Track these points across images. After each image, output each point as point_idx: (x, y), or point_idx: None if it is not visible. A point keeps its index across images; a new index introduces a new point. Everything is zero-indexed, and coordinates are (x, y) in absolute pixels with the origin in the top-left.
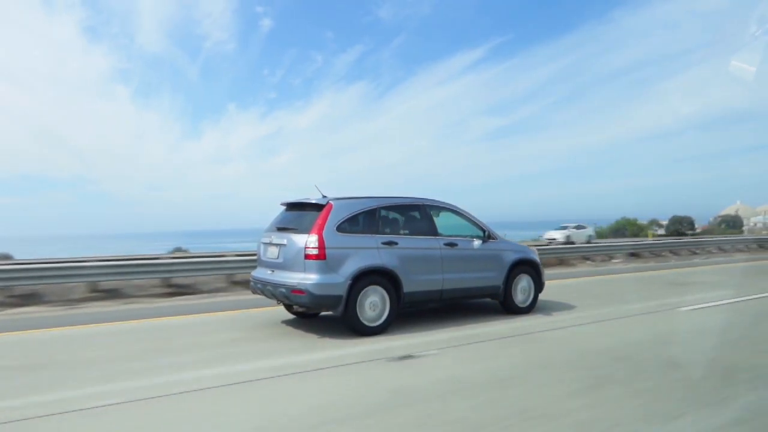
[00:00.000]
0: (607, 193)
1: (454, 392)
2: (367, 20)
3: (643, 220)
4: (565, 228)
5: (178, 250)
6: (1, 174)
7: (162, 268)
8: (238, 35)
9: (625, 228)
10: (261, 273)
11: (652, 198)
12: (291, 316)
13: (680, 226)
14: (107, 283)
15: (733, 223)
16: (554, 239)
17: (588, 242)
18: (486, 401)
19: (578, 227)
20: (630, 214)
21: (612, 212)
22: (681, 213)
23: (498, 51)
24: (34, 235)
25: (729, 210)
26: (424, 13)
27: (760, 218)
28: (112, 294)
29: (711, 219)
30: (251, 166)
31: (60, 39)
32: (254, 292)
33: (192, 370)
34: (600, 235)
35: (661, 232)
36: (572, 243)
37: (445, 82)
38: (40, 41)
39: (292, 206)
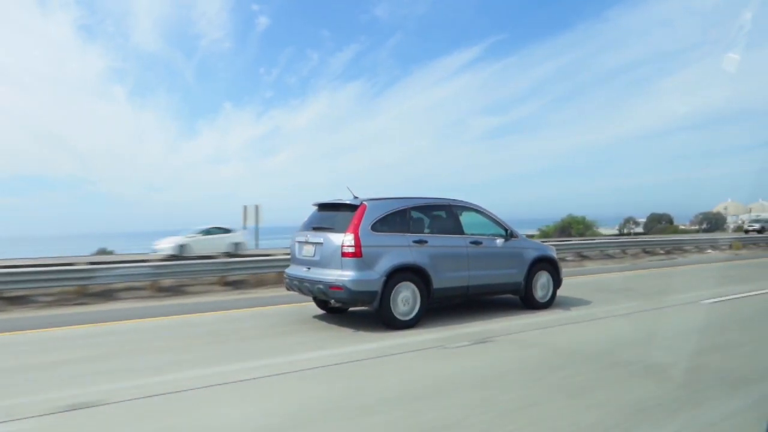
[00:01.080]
0: (607, 191)
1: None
2: (363, 19)
3: (594, 218)
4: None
5: (103, 251)
6: None
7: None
8: (234, 34)
9: (571, 227)
10: (296, 270)
11: (650, 196)
12: (320, 312)
13: (659, 224)
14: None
15: (714, 221)
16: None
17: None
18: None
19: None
20: (629, 212)
21: (611, 210)
22: (680, 210)
23: (495, 50)
24: (32, 236)
25: (720, 207)
26: (420, 12)
27: (746, 216)
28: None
29: (692, 217)
30: (249, 165)
31: (55, 38)
32: (289, 289)
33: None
34: (545, 234)
35: (639, 230)
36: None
37: (443, 81)
38: (35, 40)
39: (325, 207)
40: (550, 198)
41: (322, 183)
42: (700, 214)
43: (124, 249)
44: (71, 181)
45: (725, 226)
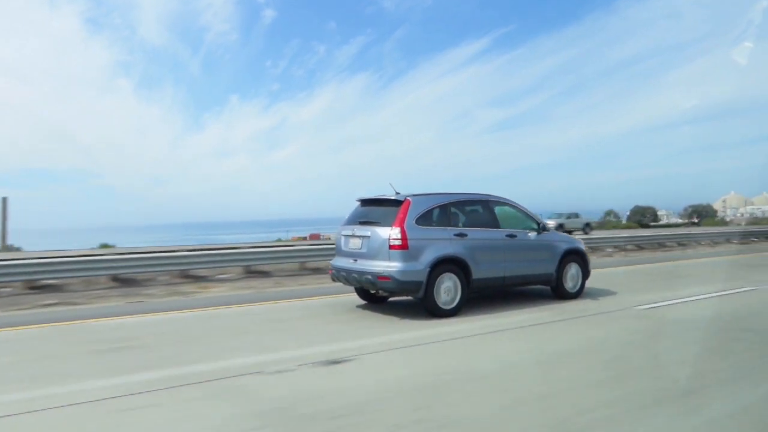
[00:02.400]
0: (615, 183)
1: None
2: (369, 11)
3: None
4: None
5: (104, 246)
6: (6, 168)
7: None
8: (240, 26)
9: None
10: (342, 262)
11: (658, 188)
12: (362, 302)
13: (642, 218)
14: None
15: (705, 214)
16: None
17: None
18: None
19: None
20: (637, 204)
21: (621, 202)
22: (685, 203)
23: (501, 42)
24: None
25: (723, 199)
26: (427, 3)
27: (750, 208)
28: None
29: (681, 210)
30: (255, 158)
31: (62, 32)
32: (334, 280)
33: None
34: None
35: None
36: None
37: (449, 73)
38: (42, 34)
39: (369, 202)
40: (556, 190)
41: (327, 176)
42: (690, 206)
43: (128, 242)
44: (77, 174)
45: (717, 219)
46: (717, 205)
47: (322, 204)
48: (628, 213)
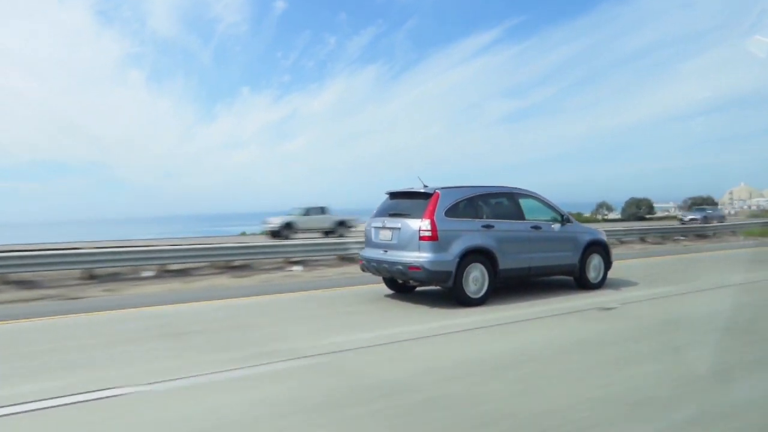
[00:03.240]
0: (627, 175)
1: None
2: (380, 1)
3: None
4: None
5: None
6: (19, 160)
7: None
8: (251, 17)
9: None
10: (372, 253)
11: (670, 180)
12: (390, 291)
13: (637, 210)
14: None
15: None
16: None
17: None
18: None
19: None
20: (646, 196)
21: (634, 194)
22: (695, 195)
23: (513, 32)
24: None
25: (729, 191)
26: None
27: (763, 200)
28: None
29: (681, 201)
30: (266, 150)
31: (73, 24)
32: (364, 270)
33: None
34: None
35: (614, 216)
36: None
37: (460, 64)
38: (54, 28)
39: (397, 195)
40: (568, 182)
41: (337, 167)
42: (689, 198)
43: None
44: (89, 166)
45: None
46: (725, 197)
47: (333, 195)
48: (623, 205)
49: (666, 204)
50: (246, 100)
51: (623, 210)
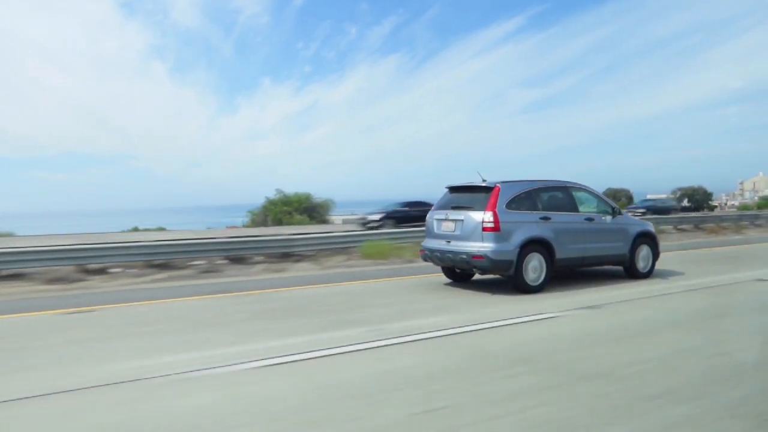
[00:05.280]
0: (653, 165)
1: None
2: None
3: None
4: None
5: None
6: (48, 152)
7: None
8: (272, 8)
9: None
10: (435, 244)
11: (696, 170)
12: (447, 281)
13: (618, 201)
14: None
15: (697, 198)
16: None
17: None
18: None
19: None
20: (663, 187)
21: (657, 184)
22: (701, 185)
23: (535, 21)
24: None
25: (740, 182)
26: None
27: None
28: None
29: (670, 193)
30: (286, 140)
31: (97, 17)
32: (426, 260)
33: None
34: None
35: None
36: None
37: (481, 53)
38: (79, 20)
39: (458, 189)
40: (592, 171)
41: (358, 158)
42: (678, 189)
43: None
44: (115, 157)
45: (712, 203)
46: (739, 188)
47: (350, 186)
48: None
49: (660, 195)
50: (267, 91)
51: None
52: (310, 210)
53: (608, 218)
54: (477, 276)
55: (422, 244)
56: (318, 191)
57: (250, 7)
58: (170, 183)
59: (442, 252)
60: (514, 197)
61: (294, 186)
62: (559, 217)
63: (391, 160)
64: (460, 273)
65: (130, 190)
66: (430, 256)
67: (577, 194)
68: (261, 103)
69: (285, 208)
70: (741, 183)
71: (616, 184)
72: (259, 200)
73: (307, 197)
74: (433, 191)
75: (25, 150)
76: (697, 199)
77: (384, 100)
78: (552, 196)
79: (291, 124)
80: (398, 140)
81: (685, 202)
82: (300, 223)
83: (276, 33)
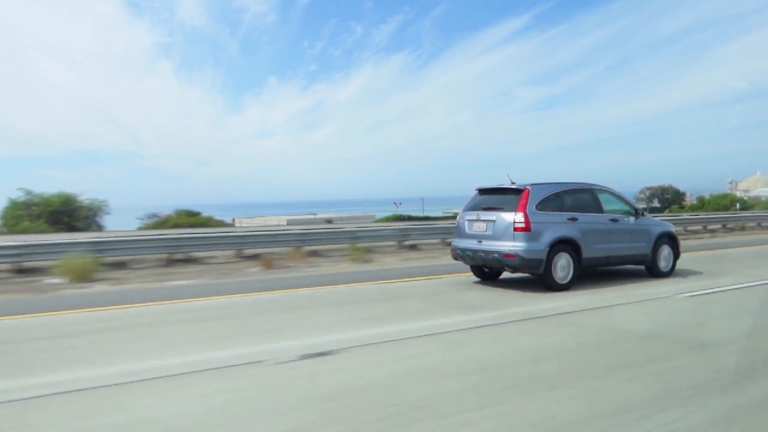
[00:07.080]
0: (658, 163)
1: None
2: None
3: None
4: None
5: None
6: (55, 150)
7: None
8: (278, 7)
9: None
10: (467, 243)
11: (700, 168)
12: (476, 279)
13: None
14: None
15: (666, 198)
16: None
17: None
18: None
19: None
20: (678, 185)
21: (654, 184)
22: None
23: (543, 18)
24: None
25: (730, 180)
26: None
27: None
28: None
29: (638, 193)
30: (292, 139)
31: (104, 15)
32: (457, 259)
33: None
34: None
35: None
36: None
37: (488, 51)
38: (86, 18)
39: (488, 191)
40: (599, 169)
41: (364, 156)
42: (647, 188)
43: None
44: (122, 155)
45: (684, 203)
46: (733, 188)
47: (356, 185)
48: None
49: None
50: (273, 89)
51: None
52: (69, 213)
53: (631, 219)
54: (505, 274)
55: (452, 243)
56: (323, 190)
57: (256, 6)
58: (177, 181)
59: (474, 251)
60: (543, 199)
61: (298, 186)
62: (586, 218)
63: (398, 158)
64: (488, 272)
65: (136, 187)
66: (461, 255)
67: (602, 196)
68: (267, 102)
69: (31, 211)
70: (731, 182)
71: (620, 182)
72: (259, 200)
73: (67, 199)
74: (437, 189)
75: (34, 148)
76: (668, 199)
77: (390, 99)
78: (578, 198)
79: (297, 122)
80: (405, 138)
81: (655, 203)
82: (32, 230)
83: (282, 32)
